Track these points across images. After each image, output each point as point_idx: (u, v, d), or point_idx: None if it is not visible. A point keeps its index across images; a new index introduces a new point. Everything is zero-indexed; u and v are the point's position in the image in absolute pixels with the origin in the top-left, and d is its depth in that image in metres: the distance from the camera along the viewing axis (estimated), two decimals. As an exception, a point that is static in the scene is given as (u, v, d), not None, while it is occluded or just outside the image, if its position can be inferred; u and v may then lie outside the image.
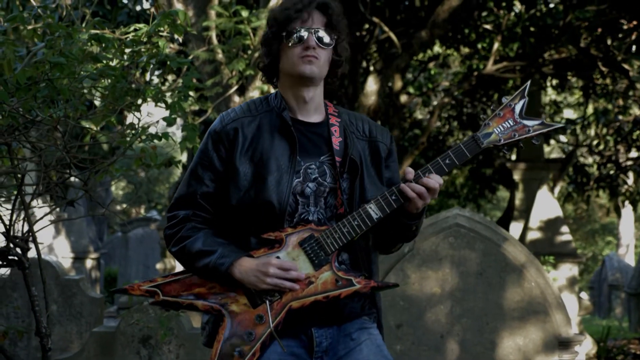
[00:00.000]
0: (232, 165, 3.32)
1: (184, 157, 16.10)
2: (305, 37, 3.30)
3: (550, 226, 12.56)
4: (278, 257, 3.25)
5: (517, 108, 3.32)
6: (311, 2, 3.34)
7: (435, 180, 3.26)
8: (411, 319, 6.08)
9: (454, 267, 6.11)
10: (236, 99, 9.98)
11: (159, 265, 15.28)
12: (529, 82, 3.51)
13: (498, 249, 6.12)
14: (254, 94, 9.81)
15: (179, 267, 14.93)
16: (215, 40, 10.05)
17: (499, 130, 3.29)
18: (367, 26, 14.59)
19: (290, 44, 3.32)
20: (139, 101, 5.58)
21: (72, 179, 5.45)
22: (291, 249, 3.26)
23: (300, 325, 3.30)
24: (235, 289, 3.28)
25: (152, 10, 5.65)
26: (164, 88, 7.75)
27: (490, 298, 6.09)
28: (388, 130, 3.62)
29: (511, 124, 3.30)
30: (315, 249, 3.26)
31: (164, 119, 5.58)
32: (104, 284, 18.60)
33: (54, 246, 14.55)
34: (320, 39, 3.32)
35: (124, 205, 34.44)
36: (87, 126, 5.97)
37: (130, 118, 5.84)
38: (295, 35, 3.30)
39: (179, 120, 9.17)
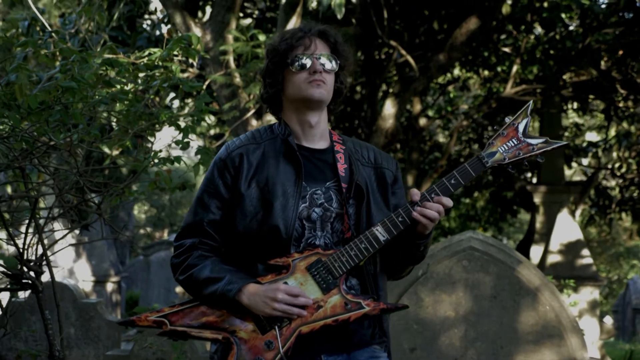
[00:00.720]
0: (238, 191, 3.32)
1: (199, 181, 16.15)
2: (310, 63, 3.32)
3: (571, 249, 12.50)
4: (286, 283, 3.24)
5: (521, 127, 3.32)
6: (311, 29, 3.37)
7: (444, 203, 3.26)
8: (425, 343, 6.05)
9: (468, 290, 6.08)
10: (253, 122, 10.02)
11: (179, 289, 15.30)
12: (531, 101, 3.51)
13: (512, 272, 6.09)
14: (271, 117, 9.83)
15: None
16: (232, 64, 10.11)
17: (503, 149, 3.29)
18: (385, 50, 14.61)
19: (295, 70, 3.32)
20: (156, 126, 5.61)
21: (89, 202, 5.47)
22: (299, 274, 3.25)
23: (310, 352, 3.29)
24: (243, 316, 3.27)
25: (166, 34, 5.68)
26: (181, 112, 7.78)
27: (505, 321, 6.06)
28: (393, 158, 3.62)
29: (515, 142, 3.30)
30: (323, 273, 3.25)
31: (177, 142, 5.60)
32: (125, 308, 18.62)
33: (75, 270, 14.60)
34: (324, 65, 3.34)
35: (148, 229, 34.55)
36: (105, 150, 6.00)
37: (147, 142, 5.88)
38: (299, 62, 3.32)
39: (196, 144, 9.20)
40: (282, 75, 3.36)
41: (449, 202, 3.28)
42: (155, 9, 13.87)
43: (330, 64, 3.36)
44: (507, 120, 3.35)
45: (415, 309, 6.05)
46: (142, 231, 34.90)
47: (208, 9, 13.11)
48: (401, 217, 3.26)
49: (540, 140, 3.31)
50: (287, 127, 3.41)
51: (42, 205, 5.51)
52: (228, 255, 3.38)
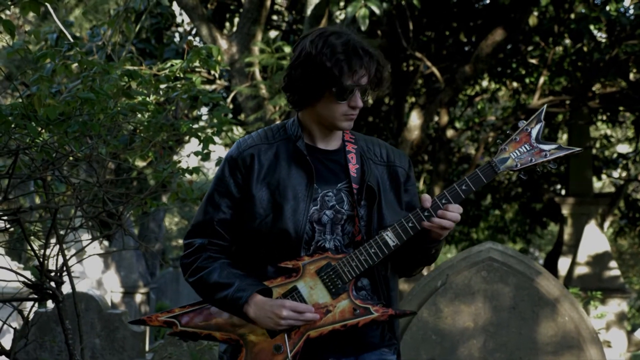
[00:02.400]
0: (249, 192, 3.30)
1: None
2: (353, 98, 3.23)
3: (599, 261, 12.43)
4: (295, 287, 3.25)
5: (534, 132, 3.29)
6: (363, 58, 3.22)
7: (455, 212, 3.24)
8: (444, 354, 6.04)
9: (487, 301, 6.07)
10: (279, 134, 10.04)
11: (206, 300, 15.33)
12: (544, 107, 3.47)
13: (531, 283, 6.07)
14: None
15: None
16: (258, 76, 10.16)
17: (515, 155, 3.27)
18: (412, 61, 14.63)
19: (336, 99, 3.23)
20: (186, 137, 5.65)
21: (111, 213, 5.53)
22: (308, 277, 3.25)
23: (318, 355, 3.30)
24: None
25: (186, 46, 5.73)
26: (202, 123, 7.83)
27: (524, 332, 6.03)
28: (405, 155, 3.60)
29: (527, 148, 3.27)
30: (332, 277, 3.24)
31: (196, 153, 5.65)
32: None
33: (103, 280, 14.68)
34: (363, 96, 3.27)
35: (180, 241, 34.64)
36: (130, 161, 6.06)
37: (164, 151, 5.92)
38: (345, 95, 3.21)
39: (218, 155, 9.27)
40: (320, 93, 3.24)
41: (458, 210, 3.26)
42: (183, 21, 13.97)
43: (369, 100, 3.33)
44: (520, 125, 3.33)
45: (434, 319, 6.04)
46: (173, 243, 35.01)
47: (235, 21, 13.20)
48: (411, 223, 3.25)
49: (553, 146, 3.29)
50: (300, 128, 3.37)
51: (64, 215, 5.57)
52: (238, 255, 3.38)
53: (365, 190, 3.35)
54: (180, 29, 14.07)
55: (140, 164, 7.55)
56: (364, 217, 3.34)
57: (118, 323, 8.21)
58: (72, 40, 6.60)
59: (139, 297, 15.40)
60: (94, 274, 14.48)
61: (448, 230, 3.27)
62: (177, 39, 13.98)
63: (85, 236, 9.43)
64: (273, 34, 13.92)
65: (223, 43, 10.21)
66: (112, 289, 14.73)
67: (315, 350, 3.27)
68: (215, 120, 5.92)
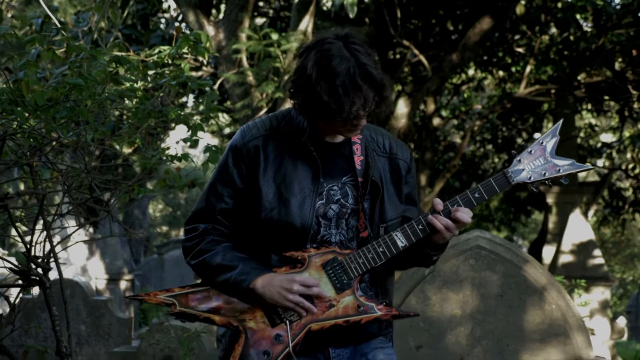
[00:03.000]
0: (254, 184, 3.27)
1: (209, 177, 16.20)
2: (355, 119, 3.17)
3: (583, 249, 12.48)
4: None
5: (549, 147, 3.30)
6: (363, 87, 3.12)
7: (466, 215, 3.23)
8: (431, 341, 6.05)
9: (475, 289, 6.09)
10: (266, 121, 10.02)
11: (192, 287, 15.31)
12: (561, 121, 3.46)
13: (519, 271, 6.09)
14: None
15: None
16: (245, 63, 10.13)
17: (529, 167, 3.27)
18: (399, 49, 14.62)
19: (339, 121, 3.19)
20: (172, 124, 5.63)
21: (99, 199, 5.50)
22: (313, 270, 3.24)
23: (318, 345, 3.29)
24: (253, 306, 3.26)
25: (174, 32, 5.69)
26: (188, 110, 7.81)
27: (511, 320, 6.06)
28: (407, 147, 3.57)
29: (542, 162, 3.27)
30: (338, 272, 3.24)
31: (185, 140, 5.62)
32: (139, 306, 18.67)
33: (88, 267, 14.66)
34: (366, 112, 3.21)
35: (163, 228, 34.64)
36: (117, 147, 6.03)
37: (152, 138, 5.90)
38: (348, 118, 3.15)
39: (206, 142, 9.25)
40: (319, 116, 3.20)
41: (469, 213, 3.25)
42: (169, 7, 13.92)
43: (368, 115, 3.25)
44: (536, 138, 3.35)
45: (422, 307, 6.06)
46: (157, 230, 34.99)
47: (222, 8, 13.15)
48: (421, 225, 3.25)
49: (567, 163, 3.28)
50: (306, 121, 3.31)
51: (48, 202, 5.54)
52: (241, 242, 3.35)
53: (369, 185, 3.33)
54: (167, 15, 14.03)
55: (126, 150, 7.52)
56: (367, 211, 3.33)
57: (104, 309, 8.19)
58: (58, 25, 6.56)
59: (123, 284, 15.38)
60: (79, 260, 14.45)
61: (453, 233, 3.26)
62: (162, 25, 13.93)
63: (71, 222, 9.40)
64: (260, 20, 13.89)
65: (210, 29, 10.18)
66: (96, 276, 14.70)
67: (314, 341, 3.26)
68: (201, 107, 5.89)
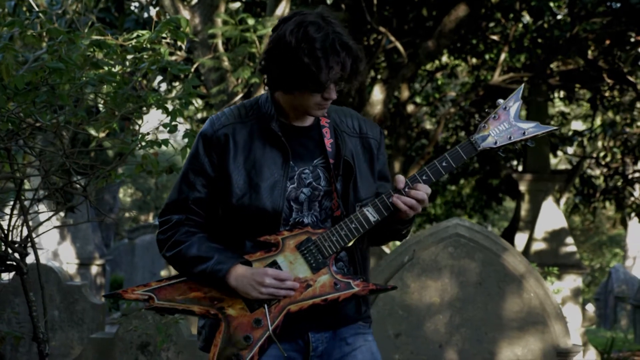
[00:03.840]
0: (225, 171, 3.28)
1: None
2: (328, 90, 3.20)
3: (555, 237, 12.54)
4: (275, 261, 3.25)
5: (512, 111, 3.31)
6: (340, 53, 3.15)
7: (422, 192, 3.24)
8: (410, 329, 6.06)
9: (454, 276, 6.10)
10: (241, 106, 9.97)
11: (164, 272, 15.29)
12: (522, 85, 3.52)
13: (498, 259, 6.10)
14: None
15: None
16: (221, 48, 10.07)
17: (494, 132, 3.29)
18: (374, 36, 14.59)
19: (310, 92, 3.20)
20: (144, 108, 5.59)
21: (74, 184, 5.45)
22: (288, 252, 3.24)
23: (297, 329, 3.30)
24: (231, 293, 3.25)
25: (155, 17, 5.65)
26: (168, 95, 7.77)
27: (490, 308, 6.08)
28: (376, 124, 3.59)
29: (506, 126, 3.29)
30: (313, 252, 3.24)
31: (164, 125, 5.58)
32: (110, 291, 18.60)
33: (59, 252, 14.56)
34: (340, 92, 3.28)
35: (133, 212, 34.50)
36: (91, 132, 5.98)
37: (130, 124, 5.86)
38: (320, 89, 3.17)
39: (183, 127, 9.19)
40: (295, 85, 3.19)
41: (426, 190, 3.26)
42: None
43: (340, 87, 3.26)
44: (499, 103, 3.34)
45: (400, 294, 6.06)
46: (127, 214, 34.86)
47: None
48: (392, 199, 3.25)
49: (531, 125, 3.30)
50: (273, 106, 3.32)
51: (27, 186, 5.49)
52: (215, 231, 3.36)
53: (342, 165, 3.34)
54: (142, -1, 13.93)
55: (100, 135, 7.45)
56: (340, 192, 3.34)
57: (77, 295, 8.14)
58: (36, 8, 6.50)
59: (94, 269, 15.30)
60: (50, 245, 14.35)
61: (417, 210, 3.27)
62: (136, 8, 13.83)
63: (42, 207, 9.32)
64: (235, 5, 13.81)
65: (185, 14, 10.10)
66: (67, 261, 14.60)
67: (293, 324, 3.27)
68: (175, 92, 5.84)
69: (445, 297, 6.09)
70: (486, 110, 3.40)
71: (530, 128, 3.30)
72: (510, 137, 3.29)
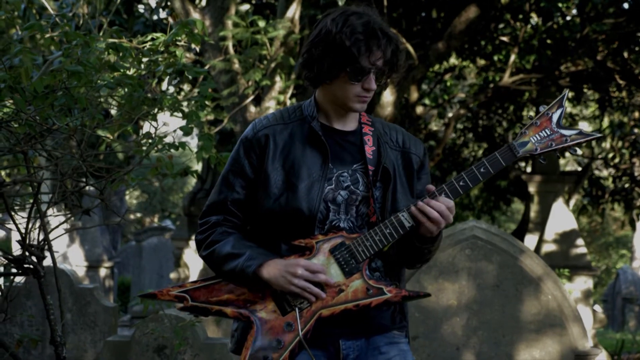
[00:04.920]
0: (264, 172, 3.31)
1: (198, 167, 16.11)
2: (368, 79, 3.23)
3: (566, 239, 12.52)
4: None
5: (555, 117, 3.27)
6: (381, 39, 3.19)
7: (444, 205, 3.20)
8: (427, 331, 6.05)
9: (471, 279, 6.08)
10: (252, 109, 9.98)
11: (173, 275, 15.27)
12: (566, 91, 3.44)
13: (515, 261, 6.09)
14: (270, 104, 9.80)
15: (193, 277, 14.94)
16: (231, 50, 10.06)
17: (535, 139, 3.25)
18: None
19: (350, 80, 3.23)
20: (156, 110, 5.58)
21: (88, 187, 5.44)
22: (322, 256, 3.24)
23: (328, 336, 3.29)
24: (264, 296, 3.26)
25: (170, 19, 5.64)
26: (180, 97, 7.76)
27: (507, 310, 6.06)
28: (421, 142, 3.57)
29: (548, 133, 3.25)
30: (346, 256, 3.23)
31: (181, 128, 5.57)
32: (117, 293, 18.61)
33: (68, 255, 14.56)
34: (384, 85, 3.31)
35: (138, 214, 34.49)
36: (103, 135, 5.97)
37: (146, 127, 5.85)
38: (359, 76, 3.21)
39: (195, 130, 9.18)
40: (336, 72, 3.23)
41: (440, 205, 3.20)
42: (154, -8, 13.81)
43: (381, 80, 3.29)
44: (542, 109, 3.31)
45: (417, 297, 6.04)
46: (131, 216, 34.87)
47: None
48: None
49: (574, 132, 3.26)
50: (316, 108, 3.37)
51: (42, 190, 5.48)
52: (252, 233, 3.38)
53: (381, 172, 3.34)
54: (152, 1, 13.91)
55: (110, 137, 7.45)
56: (379, 199, 3.33)
57: (90, 298, 8.12)
58: (51, 10, 6.49)
59: (103, 272, 15.31)
60: (59, 248, 14.35)
61: (437, 223, 3.22)
62: (144, 11, 13.81)
63: (51, 211, 9.31)
64: (245, 7, 13.80)
65: (196, 16, 10.09)
66: (76, 263, 14.61)
67: (325, 330, 3.25)
68: (183, 94, 5.82)
69: (462, 299, 6.08)
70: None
71: (573, 135, 3.25)
72: (551, 144, 3.25)
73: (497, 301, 6.07)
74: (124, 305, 17.14)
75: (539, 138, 3.26)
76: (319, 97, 3.39)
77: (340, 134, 3.38)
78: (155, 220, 32.80)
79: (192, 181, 29.09)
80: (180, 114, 5.62)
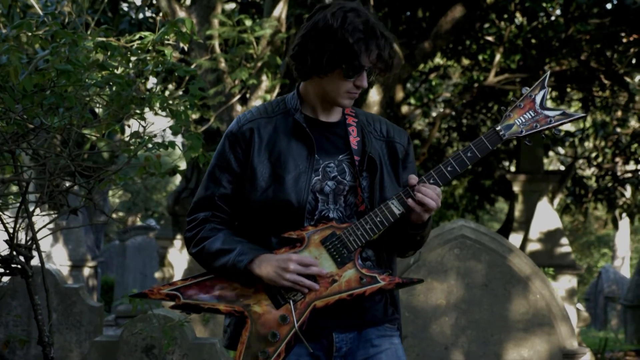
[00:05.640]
0: (250, 165, 3.30)
1: (183, 165, 16.06)
2: (360, 77, 3.25)
3: (550, 238, 12.56)
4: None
5: (538, 99, 3.29)
6: (380, 39, 3.22)
7: (432, 191, 3.21)
8: (416, 331, 6.05)
9: (460, 278, 6.09)
10: (238, 108, 9.97)
11: (157, 274, 15.23)
12: (548, 73, 3.46)
13: (504, 260, 6.10)
14: (256, 103, 9.79)
15: (178, 276, 14.90)
16: (218, 49, 10.04)
17: (520, 121, 3.26)
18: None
19: (344, 76, 3.24)
20: (146, 109, 5.56)
21: (76, 187, 5.42)
22: (313, 247, 3.23)
23: (322, 329, 3.28)
24: (257, 290, 3.25)
25: (158, 18, 5.61)
26: (166, 96, 7.72)
27: (496, 310, 6.07)
28: (405, 131, 3.58)
29: (532, 114, 3.26)
30: (337, 246, 3.22)
31: (171, 127, 5.55)
32: (100, 292, 18.56)
33: (52, 254, 14.50)
34: (371, 83, 3.31)
35: (120, 213, 34.37)
36: (89, 134, 5.94)
37: (133, 126, 5.82)
38: (354, 73, 3.23)
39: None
40: (331, 67, 3.23)
41: (429, 192, 3.21)
42: (139, -9, 13.78)
43: (374, 82, 3.33)
44: (524, 91, 3.32)
45: (407, 296, 6.05)
46: (113, 215, 34.72)
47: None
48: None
49: (558, 112, 3.28)
50: (299, 100, 3.38)
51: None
52: (241, 228, 3.37)
53: (367, 162, 3.34)
54: (137, 0, 13.87)
55: (93, 137, 7.43)
56: (366, 189, 3.34)
57: (75, 297, 8.08)
58: (39, 10, 6.46)
59: (87, 271, 15.25)
60: (43, 247, 14.27)
61: (428, 209, 3.23)
62: (128, 9, 13.77)
63: (37, 210, 9.25)
64: (230, 6, 13.77)
65: (182, 15, 10.07)
66: (60, 263, 14.55)
67: (319, 323, 3.25)
68: (166, 93, 5.80)
69: (451, 299, 6.08)
70: (512, 98, 3.37)
71: (557, 116, 3.27)
72: (536, 126, 3.26)
73: (485, 300, 6.08)
74: (107, 304, 17.08)
75: (523, 120, 3.26)
76: (303, 89, 3.40)
77: (325, 125, 3.39)
78: (138, 220, 32.71)
79: (176, 180, 29.03)
80: (166, 113, 5.60)
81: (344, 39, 3.17)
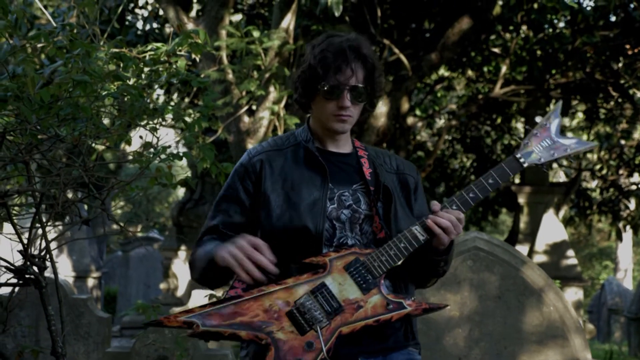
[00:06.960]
0: (262, 194, 3.30)
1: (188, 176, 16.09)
2: (340, 95, 3.28)
3: (556, 250, 12.57)
4: (323, 283, 3.17)
5: (553, 127, 3.38)
6: (349, 57, 3.27)
7: (454, 216, 3.22)
8: (429, 342, 6.03)
9: (473, 290, 6.07)
10: (246, 119, 9.97)
11: (162, 285, 15.21)
12: (560, 102, 3.58)
13: (517, 272, 6.09)
14: (264, 114, 9.79)
15: (182, 287, 14.89)
16: (225, 60, 10.06)
17: (538, 149, 3.35)
18: (376, 48, 14.59)
19: (324, 98, 3.31)
20: (160, 119, 5.57)
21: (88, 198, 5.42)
22: (337, 273, 3.19)
23: (347, 355, 3.22)
24: (279, 317, 3.17)
25: (171, 29, 5.63)
26: (173, 107, 7.71)
27: (509, 322, 6.05)
28: (414, 165, 3.62)
29: (549, 142, 3.35)
30: (362, 272, 3.19)
31: (185, 138, 5.55)
32: (105, 302, 18.55)
33: (56, 265, 14.49)
34: (355, 97, 3.30)
35: (121, 224, 34.29)
36: (100, 144, 5.94)
37: (142, 136, 5.82)
38: (331, 93, 3.28)
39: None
40: (313, 94, 3.33)
41: (450, 216, 3.22)
42: (147, 2, 13.79)
43: (361, 95, 3.31)
44: (539, 120, 3.40)
45: (419, 308, 6.02)
46: (114, 226, 34.66)
47: (194, 6, 13.03)
48: (427, 221, 3.23)
49: (573, 141, 3.37)
50: (310, 132, 3.42)
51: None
52: None
53: (382, 191, 3.35)
54: (143, 11, 13.89)
55: (100, 147, 7.44)
56: (382, 217, 3.33)
57: (83, 308, 8.07)
58: (51, 19, 6.46)
59: (90, 282, 15.24)
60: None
61: (448, 233, 3.23)
62: (135, 20, 13.79)
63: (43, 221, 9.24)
64: (237, 17, 13.79)
65: (190, 26, 10.08)
66: (64, 274, 14.54)
67: (344, 350, 3.20)
68: (172, 104, 5.81)
69: (464, 310, 6.06)
70: (527, 127, 3.46)
71: (573, 144, 3.37)
72: (553, 154, 3.35)
73: (499, 312, 6.06)
74: (112, 315, 17.03)
75: (541, 148, 3.36)
76: (312, 123, 3.46)
77: (336, 155, 3.41)
78: (139, 230, 32.66)
79: (178, 191, 29.00)
80: (176, 124, 5.59)
81: (311, 62, 3.28)
